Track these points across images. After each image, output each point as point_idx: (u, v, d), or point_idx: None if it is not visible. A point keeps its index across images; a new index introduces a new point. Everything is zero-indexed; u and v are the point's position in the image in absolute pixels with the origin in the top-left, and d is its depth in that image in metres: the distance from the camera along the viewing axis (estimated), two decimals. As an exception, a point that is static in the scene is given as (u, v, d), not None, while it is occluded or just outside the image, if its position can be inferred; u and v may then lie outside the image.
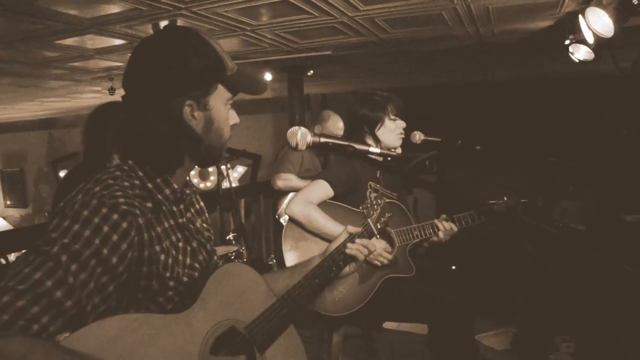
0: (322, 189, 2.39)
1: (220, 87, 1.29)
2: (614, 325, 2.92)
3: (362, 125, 2.54)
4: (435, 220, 2.45)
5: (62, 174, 8.16)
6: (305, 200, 2.34)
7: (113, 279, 1.12)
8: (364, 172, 2.49)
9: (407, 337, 3.81)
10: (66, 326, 1.04)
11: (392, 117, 2.52)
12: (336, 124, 4.25)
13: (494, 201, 2.57)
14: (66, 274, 1.03)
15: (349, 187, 2.44)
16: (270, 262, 4.79)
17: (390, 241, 2.41)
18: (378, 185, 2.54)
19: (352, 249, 1.62)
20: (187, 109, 1.24)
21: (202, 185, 8.21)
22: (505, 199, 2.56)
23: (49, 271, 1.02)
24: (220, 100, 1.30)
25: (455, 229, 2.43)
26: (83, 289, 1.05)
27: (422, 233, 2.43)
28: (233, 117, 1.37)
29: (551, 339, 3.35)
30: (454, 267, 3.62)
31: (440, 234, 2.41)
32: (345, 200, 2.44)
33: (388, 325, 4.00)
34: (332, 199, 2.42)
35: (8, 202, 11.37)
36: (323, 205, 2.39)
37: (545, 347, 2.90)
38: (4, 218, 10.80)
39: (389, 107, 2.51)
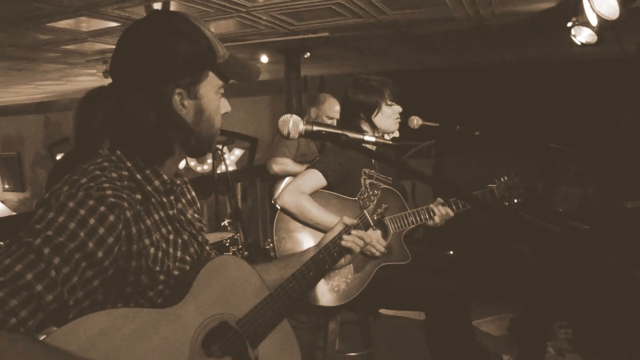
0: (315, 179, 2.34)
1: (211, 74, 1.24)
2: (612, 311, 2.91)
3: (357, 111, 2.49)
4: (431, 205, 2.39)
5: (59, 157, 8.11)
6: (296, 189, 2.28)
7: (98, 273, 1.08)
8: (358, 159, 2.44)
9: (403, 322, 3.80)
10: (47, 320, 1.01)
11: (389, 102, 2.47)
12: (332, 107, 4.19)
13: (492, 185, 2.50)
14: (48, 267, 1.00)
15: (343, 176, 2.40)
16: (267, 247, 4.78)
17: (384, 229, 2.37)
18: (373, 171, 2.50)
19: (347, 240, 1.57)
20: (176, 97, 1.19)
21: (199, 169, 8.18)
22: (504, 179, 2.50)
23: (30, 264, 0.99)
24: (211, 89, 1.25)
25: (451, 213, 2.38)
26: (65, 283, 1.02)
27: (418, 219, 2.38)
28: (224, 106, 1.32)
29: (549, 326, 3.34)
30: (451, 252, 3.60)
31: (437, 219, 2.36)
32: (339, 189, 2.39)
33: (385, 310, 3.99)
34: (325, 188, 2.38)
35: (6, 186, 11.36)
36: (316, 195, 2.34)
37: (543, 333, 2.89)
38: (2, 202, 10.80)
39: (386, 92, 2.46)
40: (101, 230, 1.08)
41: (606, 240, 2.98)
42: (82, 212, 1.06)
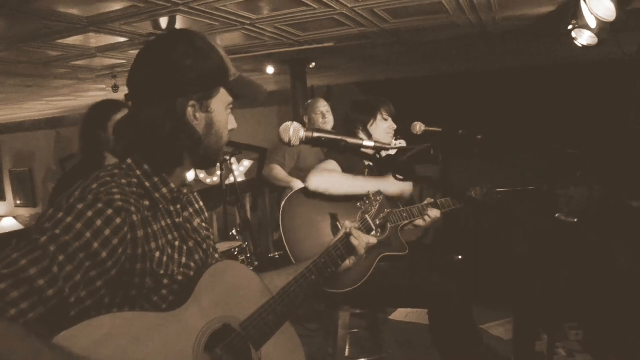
0: (333, 165, 2.49)
1: (222, 90, 1.32)
2: (623, 312, 2.90)
3: (355, 122, 2.70)
4: (424, 204, 2.57)
5: (70, 172, 8.20)
6: (322, 169, 2.43)
7: (102, 274, 1.12)
8: (357, 164, 2.60)
9: (412, 327, 3.81)
10: (48, 315, 1.04)
11: (385, 117, 2.69)
12: (316, 105, 4.24)
13: (472, 191, 2.75)
14: (52, 264, 1.04)
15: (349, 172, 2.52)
16: (277, 256, 4.81)
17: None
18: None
19: (355, 240, 1.64)
20: (190, 110, 1.26)
21: (208, 181, 8.24)
22: (478, 189, 2.74)
23: (35, 259, 1.03)
24: (221, 104, 1.32)
25: (438, 215, 2.54)
26: (68, 280, 1.06)
27: (411, 215, 2.54)
28: (232, 122, 1.39)
29: (560, 326, 3.33)
30: (460, 257, 3.61)
31: (427, 218, 2.53)
32: None
33: (394, 316, 4.00)
34: None
35: (18, 202, 11.46)
36: (321, 197, 2.40)
37: (550, 334, 2.88)
38: (14, 218, 10.91)
39: (382, 108, 2.69)
40: (107, 232, 1.12)
41: (613, 240, 2.98)
42: (90, 213, 1.11)
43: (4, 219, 10.60)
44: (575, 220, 2.34)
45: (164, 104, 1.24)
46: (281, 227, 2.32)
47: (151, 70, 1.26)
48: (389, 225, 2.44)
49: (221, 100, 1.32)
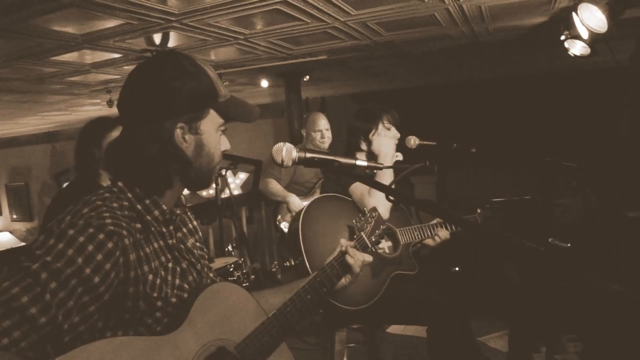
0: (361, 186, 2.46)
1: (212, 112, 1.31)
2: (622, 324, 2.88)
3: (357, 131, 2.66)
4: (433, 223, 2.56)
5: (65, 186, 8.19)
6: (365, 192, 2.42)
7: (95, 299, 1.12)
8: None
9: (410, 341, 3.79)
10: (41, 342, 1.03)
11: (387, 125, 2.63)
12: (316, 122, 4.25)
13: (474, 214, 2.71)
14: (44, 291, 1.04)
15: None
16: (273, 269, 4.79)
17: (395, 240, 2.48)
18: None
19: (350, 259, 1.64)
20: (178, 132, 1.26)
21: (204, 193, 8.20)
22: (479, 211, 2.70)
23: (26, 287, 1.03)
24: (211, 126, 1.31)
25: (447, 236, 2.53)
26: (60, 307, 1.05)
27: (423, 234, 2.53)
28: (224, 143, 1.38)
29: (558, 339, 3.32)
30: (457, 269, 3.61)
31: (437, 239, 2.52)
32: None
33: (392, 329, 3.98)
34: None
35: (14, 216, 11.42)
36: (327, 198, 2.43)
37: (548, 346, 2.87)
38: (10, 232, 10.86)
39: (384, 115, 2.63)
40: (99, 257, 1.11)
41: (609, 250, 2.98)
42: (81, 239, 1.11)
43: (0, 234, 10.55)
44: (569, 245, 2.34)
45: (151, 126, 1.24)
46: (300, 235, 2.27)
47: (139, 93, 1.26)
48: (402, 242, 2.47)
49: (211, 122, 1.31)
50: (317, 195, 2.64)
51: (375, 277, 2.32)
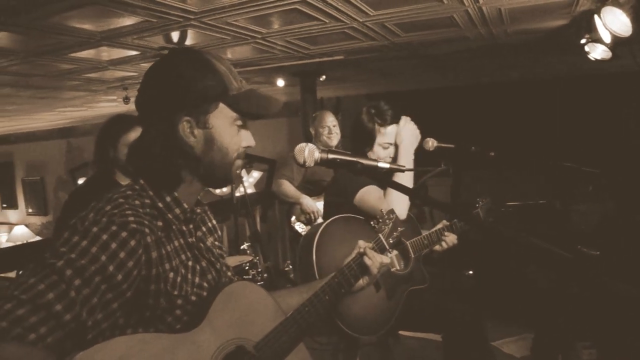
0: (376, 190, 2.40)
1: (222, 106, 1.29)
2: (637, 331, 2.85)
3: (358, 149, 2.60)
4: (440, 229, 2.48)
5: (80, 181, 8.26)
6: (380, 198, 2.35)
7: (118, 296, 1.13)
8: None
9: (422, 343, 3.77)
10: (66, 339, 1.04)
11: (382, 143, 2.56)
12: (323, 119, 4.25)
13: (476, 207, 2.62)
14: (68, 288, 1.05)
15: None
16: (286, 268, 4.79)
17: (406, 254, 2.43)
18: None
19: (369, 260, 1.62)
20: (184, 125, 1.25)
21: (217, 191, 8.22)
22: (482, 202, 2.61)
23: (52, 284, 1.04)
24: (223, 120, 1.30)
25: (455, 241, 2.47)
26: (85, 304, 1.06)
27: (432, 241, 2.47)
28: (246, 139, 1.36)
29: (572, 345, 3.28)
30: (470, 272, 3.58)
31: (444, 244, 2.46)
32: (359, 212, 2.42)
33: (405, 332, 3.96)
34: (345, 208, 2.40)
35: (30, 210, 11.56)
36: (342, 220, 2.32)
37: (563, 353, 2.84)
38: (26, 226, 10.99)
39: (377, 132, 2.55)
40: (122, 255, 1.12)
41: (626, 256, 2.94)
42: (105, 237, 1.12)
43: (16, 227, 10.68)
44: (598, 253, 2.31)
45: (158, 124, 1.25)
46: (314, 251, 2.17)
47: (147, 93, 1.29)
48: (412, 256, 2.41)
49: (223, 115, 1.29)
50: None
51: (390, 298, 2.28)
